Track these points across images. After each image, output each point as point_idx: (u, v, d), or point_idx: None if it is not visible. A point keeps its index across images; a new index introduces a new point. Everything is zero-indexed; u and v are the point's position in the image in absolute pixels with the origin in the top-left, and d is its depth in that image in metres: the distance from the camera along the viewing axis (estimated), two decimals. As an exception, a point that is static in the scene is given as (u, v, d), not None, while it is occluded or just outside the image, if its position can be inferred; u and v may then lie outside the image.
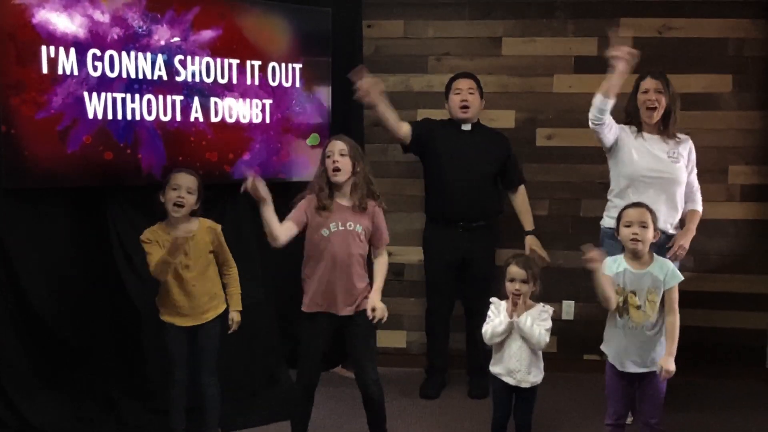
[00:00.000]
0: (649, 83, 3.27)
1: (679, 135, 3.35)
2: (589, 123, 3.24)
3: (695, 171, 3.42)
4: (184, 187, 2.84)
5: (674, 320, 2.70)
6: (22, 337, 3.12)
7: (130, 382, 3.30)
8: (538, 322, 2.72)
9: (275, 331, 3.71)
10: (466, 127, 3.70)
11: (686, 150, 3.34)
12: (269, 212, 2.71)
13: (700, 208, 3.44)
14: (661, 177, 3.25)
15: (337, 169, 2.82)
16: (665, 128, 3.30)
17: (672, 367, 2.62)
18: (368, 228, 2.90)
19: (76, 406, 3.21)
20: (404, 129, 3.60)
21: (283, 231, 2.78)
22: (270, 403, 3.46)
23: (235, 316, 3.02)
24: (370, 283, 2.93)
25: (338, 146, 2.85)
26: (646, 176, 3.25)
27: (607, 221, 3.36)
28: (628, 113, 3.35)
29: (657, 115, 3.26)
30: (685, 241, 3.32)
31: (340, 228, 2.84)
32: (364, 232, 2.88)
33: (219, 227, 2.99)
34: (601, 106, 3.17)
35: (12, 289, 3.08)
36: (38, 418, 3.09)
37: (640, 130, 3.33)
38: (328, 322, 2.89)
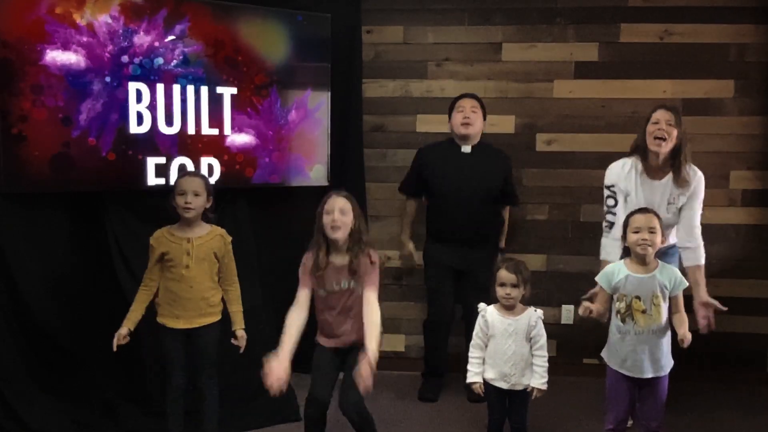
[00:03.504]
0: (660, 114, 3.12)
1: (689, 172, 3.15)
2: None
3: (700, 209, 3.20)
4: (189, 192, 2.86)
5: (683, 313, 2.75)
6: (20, 343, 3.14)
7: (129, 386, 3.31)
8: (537, 357, 2.79)
9: (273, 334, 3.71)
10: (466, 149, 3.69)
11: (688, 192, 3.16)
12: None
13: (702, 260, 3.19)
14: (665, 223, 3.07)
15: (336, 227, 2.75)
16: (674, 170, 3.12)
17: (689, 335, 2.65)
18: (362, 276, 2.83)
19: (75, 410, 3.22)
20: (414, 208, 3.83)
21: (302, 312, 2.80)
22: (268, 407, 3.44)
23: (240, 334, 3.01)
24: None
25: (339, 203, 2.77)
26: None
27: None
28: (636, 146, 3.19)
29: (666, 147, 3.09)
30: (706, 303, 3.12)
31: (335, 288, 2.81)
32: (359, 285, 2.81)
33: (230, 238, 3.00)
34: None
35: (10, 295, 3.09)
36: (37, 423, 3.10)
37: (644, 168, 3.16)
38: (336, 353, 2.88)
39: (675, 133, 3.09)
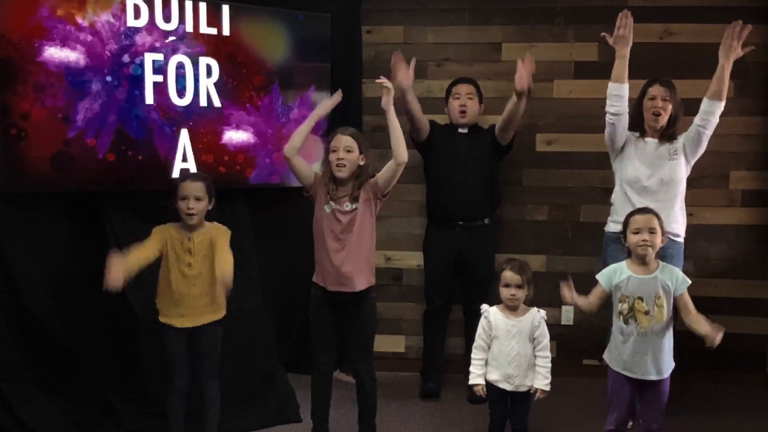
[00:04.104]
0: (656, 90, 3.28)
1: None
2: (608, 117, 3.27)
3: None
4: (191, 197, 2.85)
5: (696, 315, 2.70)
6: (20, 343, 3.13)
7: (129, 386, 3.31)
8: (540, 358, 2.80)
9: (273, 334, 3.72)
10: (463, 130, 3.74)
11: (681, 139, 3.32)
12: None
13: None
14: (663, 182, 3.25)
15: (341, 165, 2.87)
16: (668, 131, 3.30)
17: (715, 332, 2.61)
18: (367, 200, 2.93)
19: (75, 410, 3.21)
20: (426, 123, 3.69)
21: (299, 157, 2.93)
22: (268, 407, 3.46)
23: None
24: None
25: (344, 142, 2.89)
26: (649, 185, 3.25)
27: (611, 226, 3.35)
28: (632, 118, 3.32)
29: (662, 121, 3.27)
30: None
31: (336, 208, 2.89)
32: (363, 209, 2.91)
33: (225, 228, 2.98)
34: (618, 92, 3.23)
35: (10, 295, 3.09)
36: (37, 423, 3.09)
37: (642, 135, 3.33)
38: (332, 299, 2.92)
39: (670, 107, 3.27)
